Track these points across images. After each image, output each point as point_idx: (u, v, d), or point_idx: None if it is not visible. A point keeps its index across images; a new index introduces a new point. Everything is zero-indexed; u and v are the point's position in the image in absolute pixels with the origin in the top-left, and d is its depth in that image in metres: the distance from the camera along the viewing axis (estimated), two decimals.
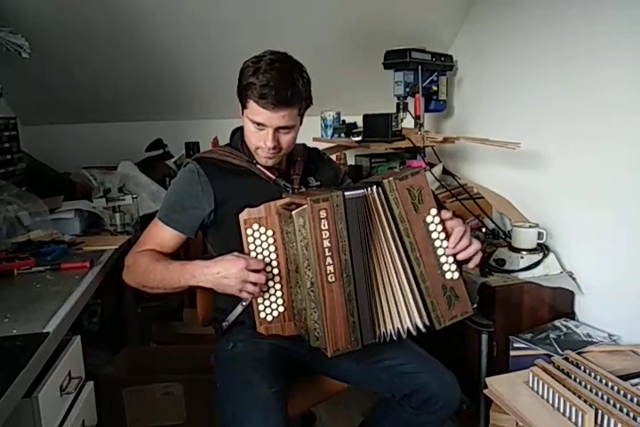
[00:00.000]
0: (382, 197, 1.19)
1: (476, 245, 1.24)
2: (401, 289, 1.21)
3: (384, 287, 1.22)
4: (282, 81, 1.22)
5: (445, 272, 1.22)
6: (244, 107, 1.30)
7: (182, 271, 1.23)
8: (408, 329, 1.22)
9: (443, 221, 1.22)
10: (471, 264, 1.25)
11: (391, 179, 1.18)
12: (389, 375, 1.30)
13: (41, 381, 1.02)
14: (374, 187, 1.19)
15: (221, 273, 1.18)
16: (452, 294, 1.22)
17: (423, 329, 1.22)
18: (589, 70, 1.78)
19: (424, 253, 1.20)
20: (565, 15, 1.87)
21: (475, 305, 1.76)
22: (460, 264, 1.24)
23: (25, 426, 0.97)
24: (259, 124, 1.27)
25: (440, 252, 1.22)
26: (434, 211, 1.21)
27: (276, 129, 1.27)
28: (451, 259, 1.22)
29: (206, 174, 1.33)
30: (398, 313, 1.22)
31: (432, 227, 1.21)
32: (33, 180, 2.10)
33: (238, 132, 1.43)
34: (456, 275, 1.23)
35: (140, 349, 2.03)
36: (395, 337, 1.22)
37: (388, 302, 1.22)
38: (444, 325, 1.22)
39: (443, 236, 1.22)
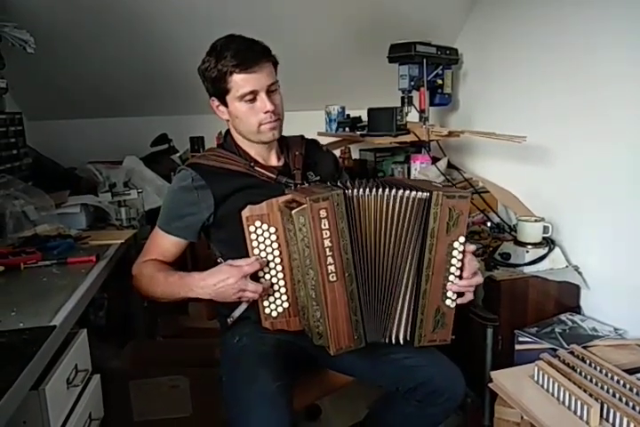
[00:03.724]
0: (424, 206, 1.18)
1: (480, 279, 1.25)
2: (400, 298, 1.22)
3: (386, 289, 1.22)
4: (246, 42, 1.26)
5: (446, 298, 1.22)
6: (225, 94, 1.29)
7: (181, 284, 1.25)
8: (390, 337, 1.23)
9: (465, 252, 1.22)
10: (462, 299, 1.24)
11: (440, 193, 1.17)
12: (394, 369, 1.30)
13: (48, 374, 1.03)
14: (418, 193, 1.18)
15: (218, 285, 1.19)
16: (442, 320, 1.22)
17: (402, 342, 1.23)
18: (594, 65, 1.76)
19: (436, 274, 1.20)
20: (571, 10, 1.85)
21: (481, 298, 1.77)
22: (459, 296, 1.24)
23: (32, 418, 0.98)
24: (251, 93, 1.27)
25: (451, 278, 1.22)
26: (462, 238, 1.20)
27: (267, 91, 1.28)
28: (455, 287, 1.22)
29: (202, 178, 1.32)
30: (387, 319, 1.23)
31: (455, 253, 1.20)
32: (39, 174, 2.10)
33: (229, 136, 1.42)
34: (453, 304, 1.23)
35: (147, 342, 2.04)
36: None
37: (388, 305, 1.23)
38: (422, 344, 1.23)
39: (459, 264, 1.21)
